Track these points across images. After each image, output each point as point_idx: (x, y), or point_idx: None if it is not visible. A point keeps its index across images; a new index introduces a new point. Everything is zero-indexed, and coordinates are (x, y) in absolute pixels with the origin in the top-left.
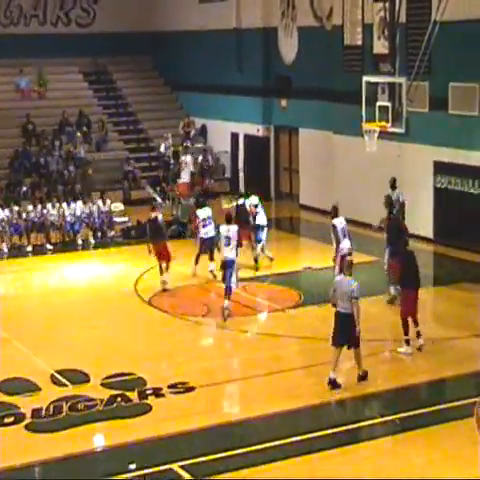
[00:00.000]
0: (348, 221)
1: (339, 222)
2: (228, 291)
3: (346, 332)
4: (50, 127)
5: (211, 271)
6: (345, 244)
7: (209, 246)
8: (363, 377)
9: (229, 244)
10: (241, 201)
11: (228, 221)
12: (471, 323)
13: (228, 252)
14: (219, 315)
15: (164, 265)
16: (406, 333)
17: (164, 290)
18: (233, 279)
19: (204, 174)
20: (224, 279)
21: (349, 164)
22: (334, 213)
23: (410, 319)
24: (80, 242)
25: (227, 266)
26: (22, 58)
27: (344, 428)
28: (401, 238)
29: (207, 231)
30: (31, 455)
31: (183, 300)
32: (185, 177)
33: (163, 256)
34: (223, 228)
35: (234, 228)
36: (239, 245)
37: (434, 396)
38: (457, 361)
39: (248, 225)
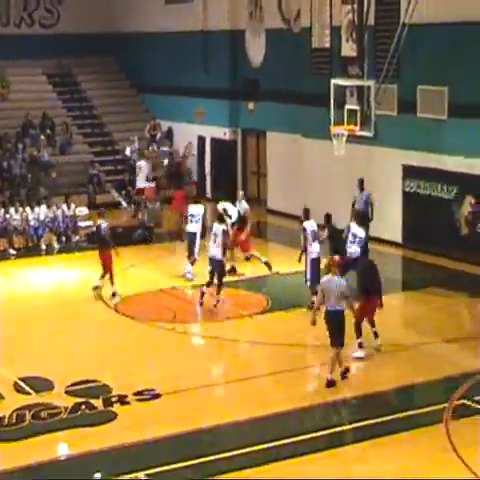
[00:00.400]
0: (317, 226)
1: (310, 225)
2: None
3: (342, 330)
4: (13, 130)
5: (186, 273)
6: (314, 248)
7: (189, 241)
8: (345, 373)
9: (215, 242)
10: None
11: (219, 220)
12: (440, 328)
13: (214, 250)
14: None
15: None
16: (358, 336)
17: (113, 295)
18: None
19: (170, 178)
20: (212, 276)
21: (318, 168)
22: (305, 216)
23: (364, 323)
24: (44, 247)
25: (213, 264)
26: None
27: (313, 435)
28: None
29: (191, 227)
30: None
31: (150, 306)
32: (140, 183)
33: (104, 266)
34: (214, 226)
35: (221, 227)
36: (227, 246)
37: (403, 402)
38: (426, 367)
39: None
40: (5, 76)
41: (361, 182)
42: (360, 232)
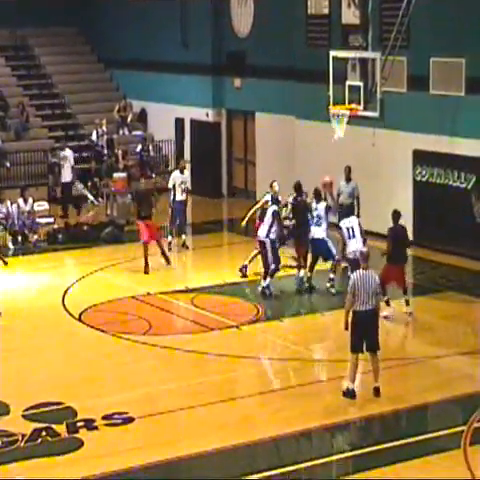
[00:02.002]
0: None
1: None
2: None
3: (371, 334)
4: None
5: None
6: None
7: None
8: (377, 390)
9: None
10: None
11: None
12: (456, 339)
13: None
14: None
15: None
16: (384, 294)
17: None
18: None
19: (143, 167)
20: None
21: (314, 154)
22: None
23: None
24: None
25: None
26: None
27: (309, 464)
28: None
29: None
30: None
31: (120, 316)
32: (66, 176)
33: None
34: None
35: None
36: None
37: (414, 425)
38: (441, 383)
39: None
40: None
41: (348, 170)
42: (355, 224)
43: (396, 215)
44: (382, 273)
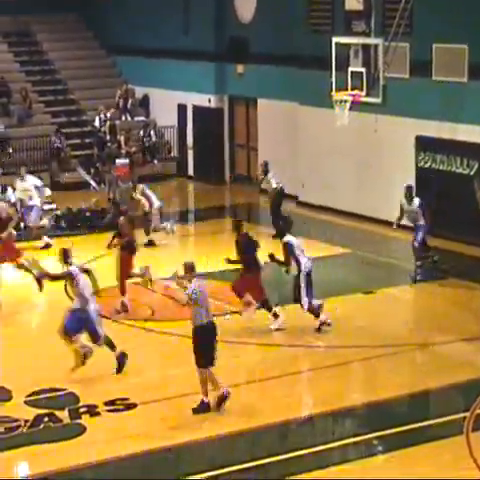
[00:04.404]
0: (315, 207)
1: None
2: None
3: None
4: None
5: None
6: None
7: None
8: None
9: None
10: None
11: None
12: (458, 324)
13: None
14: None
15: None
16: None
17: None
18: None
19: (146, 153)
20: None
21: (316, 140)
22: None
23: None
24: None
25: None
26: None
27: (311, 450)
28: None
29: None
30: None
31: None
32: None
33: None
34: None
35: None
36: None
37: (416, 411)
38: (443, 370)
39: None
40: None
41: (265, 165)
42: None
43: None
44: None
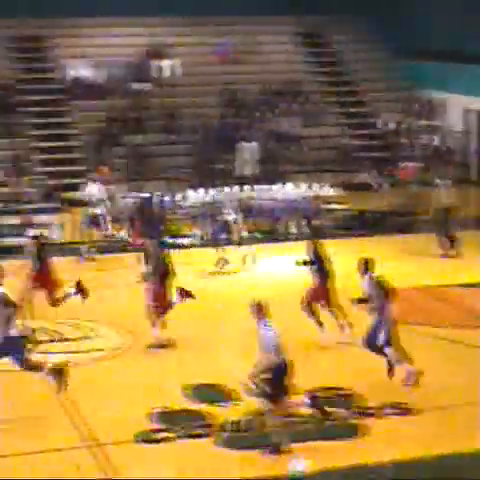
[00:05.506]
0: None
1: None
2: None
3: None
4: (251, 96)
5: None
6: None
7: None
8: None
9: None
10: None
11: None
12: None
13: None
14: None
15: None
16: None
17: None
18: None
19: (439, 157)
20: None
21: None
22: None
23: None
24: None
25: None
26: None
27: None
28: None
29: None
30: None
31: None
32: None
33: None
34: None
35: None
36: None
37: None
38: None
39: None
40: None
41: None
42: None
43: None
44: None
